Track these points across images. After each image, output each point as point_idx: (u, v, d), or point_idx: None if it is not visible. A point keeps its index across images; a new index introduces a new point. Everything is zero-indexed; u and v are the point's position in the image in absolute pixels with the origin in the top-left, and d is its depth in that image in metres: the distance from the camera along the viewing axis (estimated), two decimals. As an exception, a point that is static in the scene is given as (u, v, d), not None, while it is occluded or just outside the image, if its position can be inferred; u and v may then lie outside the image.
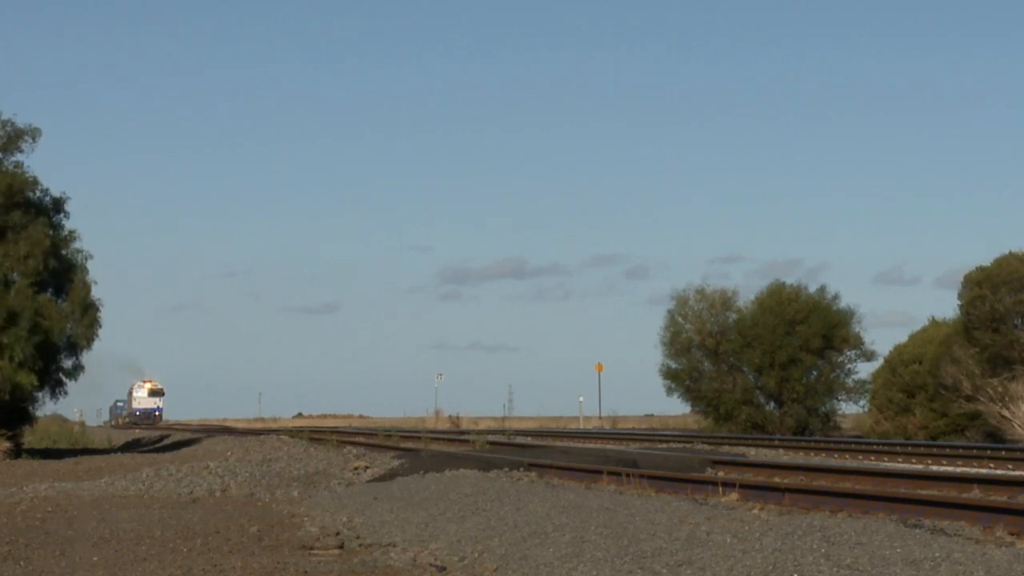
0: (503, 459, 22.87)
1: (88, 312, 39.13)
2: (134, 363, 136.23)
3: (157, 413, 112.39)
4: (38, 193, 39.66)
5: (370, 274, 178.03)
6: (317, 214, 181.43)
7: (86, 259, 40.23)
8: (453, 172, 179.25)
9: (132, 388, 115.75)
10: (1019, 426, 37.58)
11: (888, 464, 25.42)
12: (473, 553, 12.49)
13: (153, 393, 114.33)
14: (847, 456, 29.40)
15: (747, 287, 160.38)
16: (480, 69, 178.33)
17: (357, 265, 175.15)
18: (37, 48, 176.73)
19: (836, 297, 54.51)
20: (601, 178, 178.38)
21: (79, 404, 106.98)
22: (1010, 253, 43.24)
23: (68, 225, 40.46)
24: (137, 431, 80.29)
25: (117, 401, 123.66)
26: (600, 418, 78.92)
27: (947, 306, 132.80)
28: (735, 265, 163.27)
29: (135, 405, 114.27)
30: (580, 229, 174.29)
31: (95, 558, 12.96)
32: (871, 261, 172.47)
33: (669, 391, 56.83)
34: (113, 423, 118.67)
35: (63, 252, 39.75)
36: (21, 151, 39.68)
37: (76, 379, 40.69)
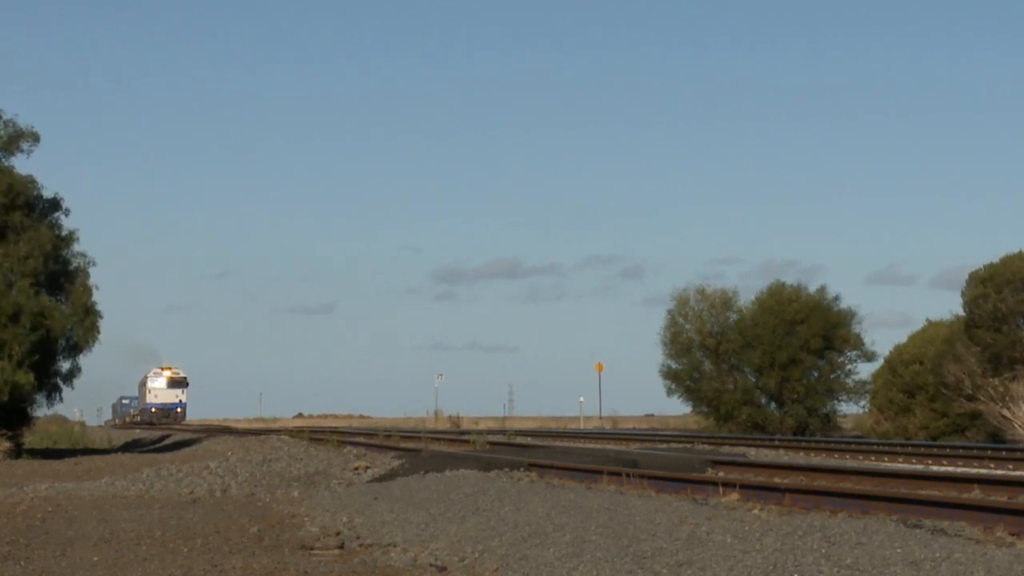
0: (503, 459, 22.86)
1: (89, 315, 39.13)
2: (149, 348, 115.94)
3: (179, 409, 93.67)
4: (37, 194, 39.66)
5: (365, 274, 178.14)
6: (312, 214, 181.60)
7: (89, 264, 40.28)
8: (448, 172, 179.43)
9: (146, 378, 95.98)
10: (1020, 426, 37.54)
11: (888, 464, 25.42)
12: (473, 553, 12.49)
13: (174, 383, 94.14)
14: (847, 456, 29.39)
15: (743, 288, 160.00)
16: (475, 69, 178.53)
17: (352, 265, 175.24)
18: (36, 48, 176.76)
19: (836, 298, 54.59)
20: (595, 179, 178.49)
21: (79, 404, 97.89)
22: (1018, 252, 43.15)
23: (69, 227, 40.54)
24: (137, 431, 77.14)
25: (122, 398, 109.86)
26: (600, 418, 78.89)
27: (944, 306, 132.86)
28: (731, 266, 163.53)
29: (150, 399, 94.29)
30: (574, 230, 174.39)
31: (95, 558, 12.96)
32: (866, 261, 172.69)
33: (669, 391, 56.86)
34: (117, 422, 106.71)
35: (63, 254, 39.76)
36: (22, 151, 39.75)
37: (73, 384, 40.69)
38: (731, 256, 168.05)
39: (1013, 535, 11.02)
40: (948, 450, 30.14)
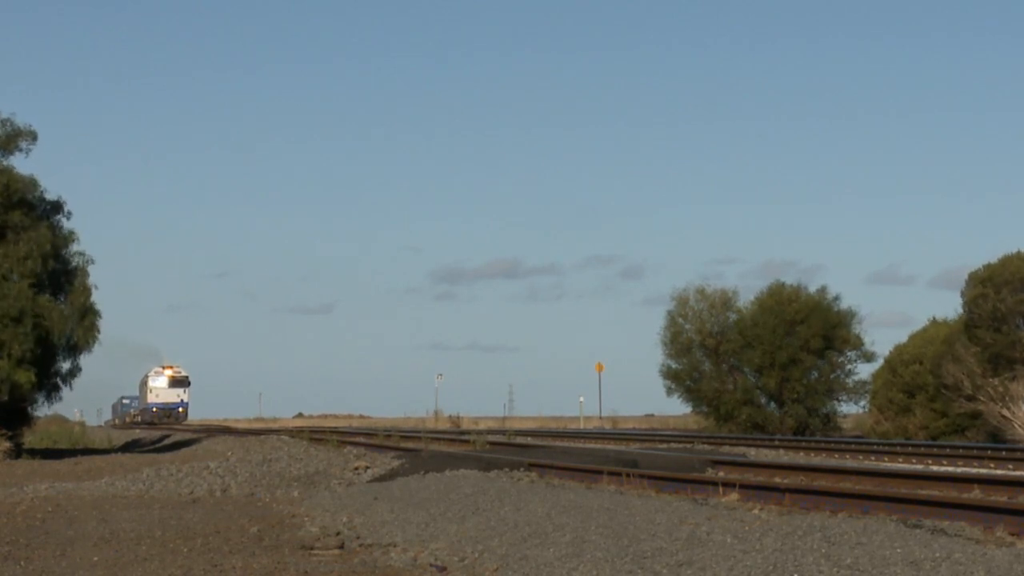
0: (503, 459, 22.86)
1: (88, 316, 39.10)
2: (150, 348, 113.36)
3: (181, 409, 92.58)
4: (37, 193, 39.60)
5: (365, 274, 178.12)
6: (312, 214, 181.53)
7: (88, 263, 40.24)
8: (448, 172, 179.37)
9: (147, 377, 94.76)
10: (1019, 426, 37.55)
11: (888, 464, 25.42)
12: (473, 553, 12.49)
13: (175, 382, 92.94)
14: (847, 456, 29.39)
15: (743, 288, 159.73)
16: (475, 69, 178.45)
17: (352, 265, 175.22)
18: (36, 48, 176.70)
19: (836, 298, 54.61)
20: (595, 179, 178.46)
21: (79, 404, 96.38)
22: (1017, 252, 43.16)
23: (68, 227, 40.49)
24: (137, 431, 76.93)
25: (123, 398, 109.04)
26: (600, 418, 78.90)
27: (942, 306, 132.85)
28: (731, 266, 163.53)
29: (152, 399, 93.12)
30: (574, 230, 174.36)
31: (95, 558, 12.96)
32: (866, 261, 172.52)
33: (669, 391, 56.88)
34: (117, 422, 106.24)
35: (63, 254, 39.72)
36: (20, 150, 39.68)
37: (72, 384, 40.65)
38: (731, 256, 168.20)
39: (1013, 535, 11.02)
40: (948, 450, 30.14)
